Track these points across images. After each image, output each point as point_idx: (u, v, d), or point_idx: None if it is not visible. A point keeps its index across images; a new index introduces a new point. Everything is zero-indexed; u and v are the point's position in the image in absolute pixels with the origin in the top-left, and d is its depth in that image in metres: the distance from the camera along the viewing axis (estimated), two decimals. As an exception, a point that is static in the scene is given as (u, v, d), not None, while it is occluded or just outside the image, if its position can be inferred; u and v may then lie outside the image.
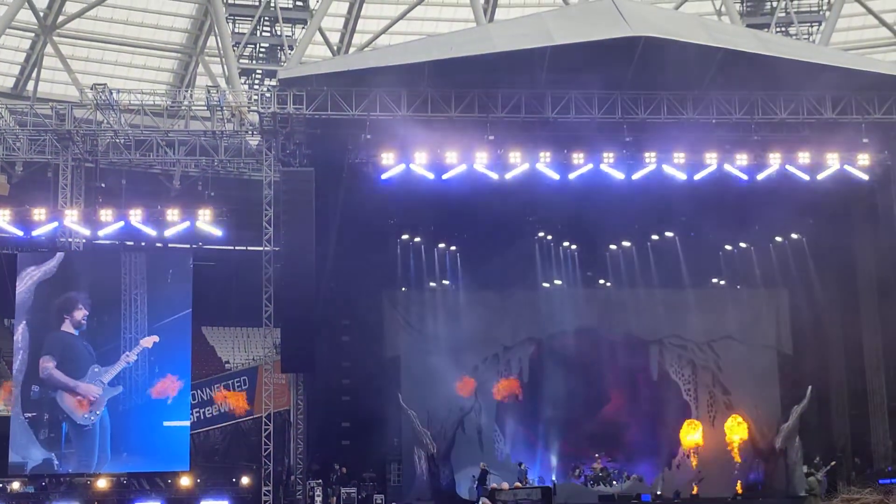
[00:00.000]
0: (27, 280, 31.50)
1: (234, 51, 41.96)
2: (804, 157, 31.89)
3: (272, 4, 42.29)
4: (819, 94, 31.01)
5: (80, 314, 31.54)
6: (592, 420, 37.06)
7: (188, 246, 33.32)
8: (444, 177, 31.42)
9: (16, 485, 31.02)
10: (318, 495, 31.47)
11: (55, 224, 31.42)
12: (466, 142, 31.32)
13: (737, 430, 37.06)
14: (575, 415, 36.56)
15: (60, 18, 44.35)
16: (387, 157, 31.04)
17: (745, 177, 32.03)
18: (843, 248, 35.87)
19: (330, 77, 30.63)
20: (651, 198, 32.86)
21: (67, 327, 31.35)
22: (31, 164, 34.13)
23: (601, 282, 38.53)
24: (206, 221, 31.18)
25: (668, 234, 37.30)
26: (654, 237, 37.48)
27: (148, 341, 31.42)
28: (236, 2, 43.00)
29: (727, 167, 31.84)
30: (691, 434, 37.45)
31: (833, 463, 33.38)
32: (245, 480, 32.21)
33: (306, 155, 31.26)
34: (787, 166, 31.91)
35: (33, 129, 33.09)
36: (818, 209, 34.96)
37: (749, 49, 30.30)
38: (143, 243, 32.66)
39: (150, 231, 31.34)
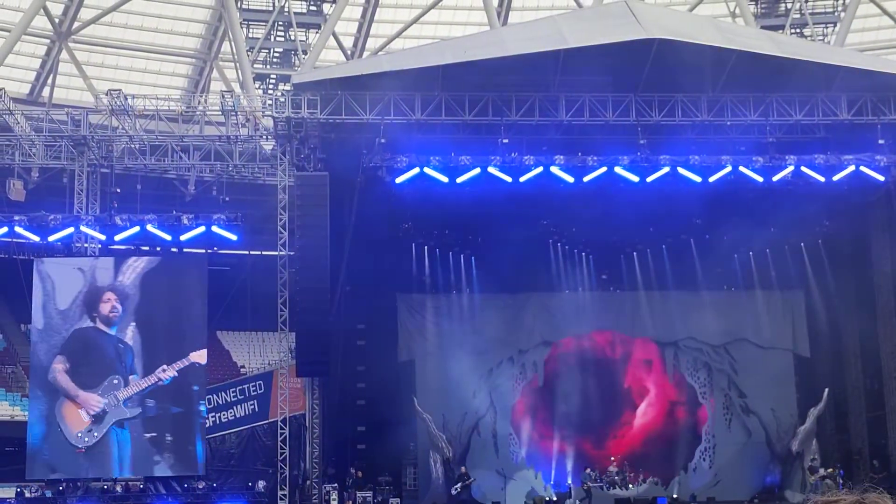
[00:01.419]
0: (129, 272, 31.34)
1: (248, 56, 42.08)
2: (819, 158, 31.76)
3: (286, 9, 42.38)
4: (834, 95, 30.90)
5: (107, 307, 30.96)
6: (608, 423, 36.99)
7: (203, 251, 33.40)
8: (459, 180, 31.40)
9: (33, 487, 31.16)
10: (334, 499, 31.48)
11: (71, 229, 31.55)
12: (480, 145, 31.31)
13: None
14: (590, 418, 36.50)
15: (75, 25, 44.56)
16: (401, 161, 31.05)
17: (760, 179, 31.91)
18: (859, 250, 35.74)
19: (344, 81, 30.66)
20: (666, 200, 32.78)
21: (99, 324, 30.99)
22: (46, 170, 34.28)
23: (616, 285, 38.44)
24: (220, 226, 31.25)
25: (683, 236, 37.19)
26: (669, 240, 37.37)
27: (201, 356, 31.11)
28: (250, 7, 43.12)
29: (742, 169, 31.72)
30: None
31: (830, 469, 33.29)
32: (261, 485, 32.26)
33: (321, 159, 31.28)
34: (803, 168, 31.78)
35: (49, 135, 33.23)
36: (834, 211, 34.83)
37: (763, 51, 30.22)
38: (158, 248, 32.75)
39: (166, 236, 31.44)
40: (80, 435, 30.11)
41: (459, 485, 33.29)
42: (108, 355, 30.77)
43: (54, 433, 30.27)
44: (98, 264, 31.38)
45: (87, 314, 30.79)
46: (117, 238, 31.77)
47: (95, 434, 30.15)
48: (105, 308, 30.78)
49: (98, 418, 30.20)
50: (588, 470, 34.61)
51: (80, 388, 30.35)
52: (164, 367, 30.66)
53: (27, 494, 30.95)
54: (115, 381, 30.50)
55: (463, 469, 34.08)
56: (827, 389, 35.65)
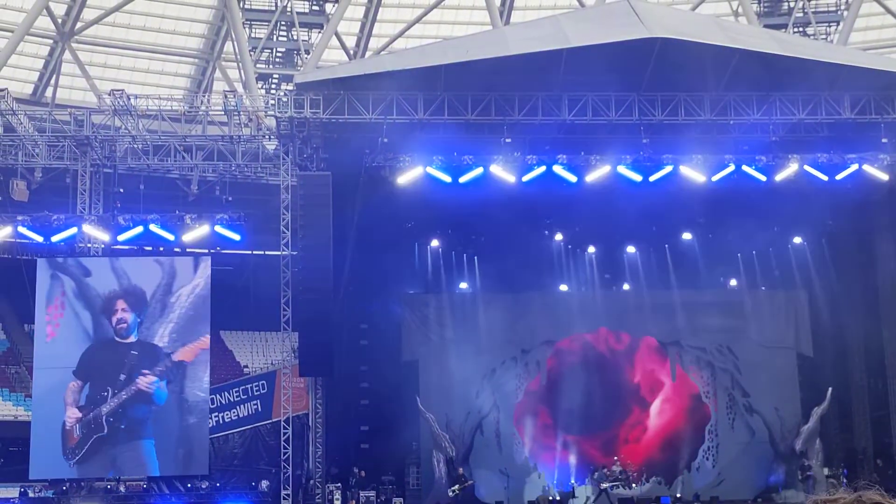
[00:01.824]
0: (205, 269, 31.52)
1: (250, 55, 42.09)
2: (823, 157, 31.73)
3: (289, 9, 42.39)
4: (837, 94, 30.85)
5: (116, 318, 31.03)
6: (611, 422, 36.96)
7: (206, 251, 33.41)
8: (461, 180, 31.39)
9: (36, 487, 31.19)
10: (338, 499, 31.49)
11: (74, 230, 31.56)
12: (483, 145, 31.29)
13: None
14: (593, 417, 36.47)
15: (78, 25, 44.58)
16: (404, 161, 31.04)
17: (763, 178, 31.88)
18: (862, 249, 35.71)
19: (346, 81, 30.66)
20: (669, 199, 32.75)
21: (115, 334, 31.12)
22: (49, 171, 34.31)
23: (619, 284, 38.42)
24: (223, 226, 31.27)
25: (686, 235, 37.18)
26: (672, 239, 37.35)
27: (189, 353, 31.18)
28: (253, 7, 43.12)
29: (745, 168, 31.69)
30: None
31: (834, 469, 33.38)
32: (264, 484, 32.27)
33: (323, 159, 31.29)
34: (806, 167, 31.75)
35: (52, 136, 33.25)
36: (837, 210, 34.76)
37: (766, 49, 30.18)
38: (161, 248, 32.77)
39: (169, 236, 31.46)
40: (70, 448, 30.30)
41: (457, 486, 33.16)
42: (109, 364, 30.84)
43: (55, 440, 30.43)
44: (177, 262, 31.73)
45: (107, 323, 31.00)
46: (120, 238, 31.80)
47: (77, 452, 30.35)
48: (115, 318, 30.88)
49: (83, 437, 30.38)
50: (605, 469, 34.59)
51: (74, 405, 30.54)
52: (146, 371, 30.73)
53: (31, 494, 30.98)
54: (105, 394, 30.56)
55: (460, 471, 33.97)
56: (830, 389, 35.63)
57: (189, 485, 31.58)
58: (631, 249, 37.89)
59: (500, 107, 30.58)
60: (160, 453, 30.67)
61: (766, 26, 41.27)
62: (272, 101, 33.38)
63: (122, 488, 30.71)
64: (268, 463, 34.14)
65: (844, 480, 32.25)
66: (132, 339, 30.91)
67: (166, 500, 30.96)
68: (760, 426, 37.35)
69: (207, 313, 31.26)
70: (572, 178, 31.66)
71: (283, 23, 42.67)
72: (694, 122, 31.22)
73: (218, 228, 31.28)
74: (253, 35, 42.72)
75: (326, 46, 43.65)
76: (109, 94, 32.78)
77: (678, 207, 33.98)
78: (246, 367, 38.94)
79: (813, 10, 43.76)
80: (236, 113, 33.08)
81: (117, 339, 30.85)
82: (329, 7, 43.70)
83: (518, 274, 35.54)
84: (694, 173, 31.72)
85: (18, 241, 32.66)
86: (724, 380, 37.86)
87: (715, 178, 31.80)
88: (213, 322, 32.45)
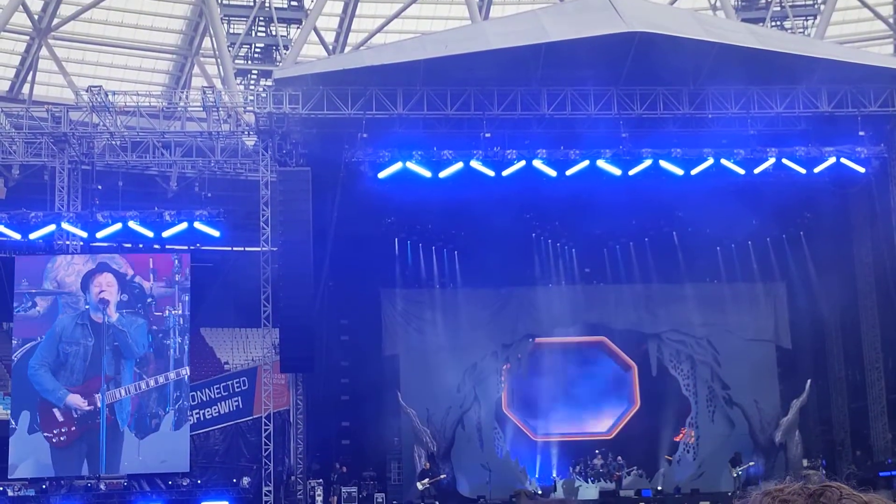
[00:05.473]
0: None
1: (229, 51, 41.91)
2: (800, 150, 31.89)
3: (267, 4, 42.22)
4: (815, 87, 31.01)
5: (97, 290, 31.20)
6: (592, 416, 37.06)
7: (186, 247, 33.29)
8: (441, 175, 31.41)
9: (16, 486, 31.01)
10: (319, 495, 31.48)
11: (52, 227, 31.39)
12: (463, 139, 31.31)
13: None
14: (574, 411, 36.58)
15: (55, 21, 44.29)
16: (383, 156, 31.02)
17: (741, 171, 32.02)
18: (840, 241, 35.90)
19: (325, 76, 30.61)
20: (648, 193, 32.87)
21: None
22: (27, 168, 34.11)
23: (599, 278, 38.50)
24: (203, 222, 31.17)
25: (666, 229, 37.29)
26: (652, 232, 37.46)
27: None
28: (231, 2, 42.94)
29: (724, 162, 31.83)
30: None
31: (810, 459, 33.74)
32: (245, 481, 32.21)
33: (303, 155, 31.25)
34: (784, 160, 31.91)
35: (29, 132, 33.04)
36: (815, 202, 34.98)
37: (744, 44, 30.31)
38: (140, 245, 32.64)
39: (148, 232, 31.34)
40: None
41: (427, 480, 32.89)
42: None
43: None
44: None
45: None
46: (99, 235, 31.66)
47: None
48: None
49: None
50: (587, 463, 34.70)
51: None
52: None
53: (10, 493, 30.82)
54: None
55: (427, 465, 33.77)
56: (809, 381, 35.84)
57: (170, 482, 31.48)
58: (611, 243, 37.96)
59: (480, 101, 30.61)
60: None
61: (743, 20, 41.39)
62: (251, 97, 33.30)
63: (102, 486, 30.59)
64: (249, 459, 34.08)
65: (823, 472, 32.44)
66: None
67: (147, 498, 30.86)
68: (740, 418, 37.52)
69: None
70: (552, 173, 31.73)
71: (261, 18, 42.48)
72: (672, 116, 31.35)
73: (197, 225, 31.18)
74: (231, 31, 42.52)
75: (305, 42, 43.52)
76: (87, 91, 32.60)
77: (657, 201, 34.10)
78: (226, 363, 38.80)
79: (790, 3, 43.91)
80: (215, 109, 32.95)
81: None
82: (307, 2, 43.57)
83: (498, 268, 35.57)
84: (673, 167, 31.84)
85: (-4, 238, 32.43)
86: (704, 373, 38.01)
87: (694, 171, 31.93)
88: (193, 319, 32.35)
